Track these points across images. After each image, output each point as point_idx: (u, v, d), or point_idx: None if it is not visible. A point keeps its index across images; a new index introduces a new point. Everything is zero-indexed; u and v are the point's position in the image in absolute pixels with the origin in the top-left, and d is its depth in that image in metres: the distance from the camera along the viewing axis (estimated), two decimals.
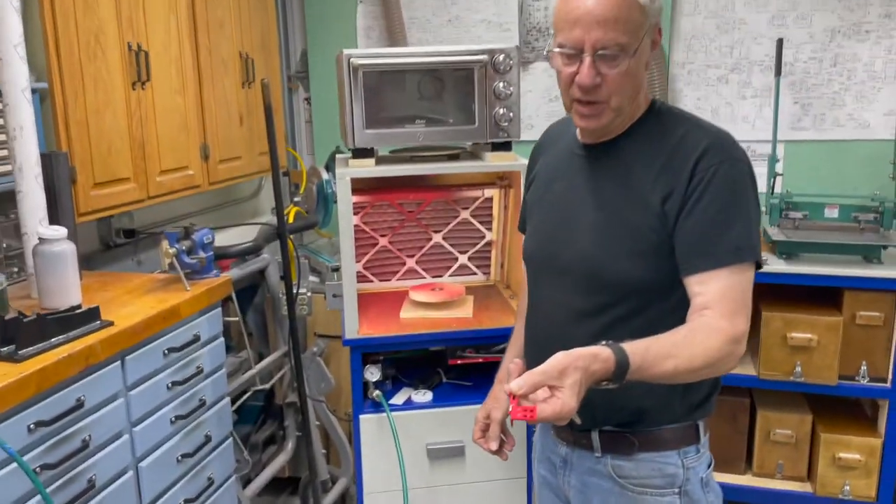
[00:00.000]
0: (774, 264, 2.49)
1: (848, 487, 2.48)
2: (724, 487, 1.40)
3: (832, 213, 2.58)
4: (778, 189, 2.68)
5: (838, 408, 2.67)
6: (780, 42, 2.71)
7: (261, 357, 2.66)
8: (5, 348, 1.32)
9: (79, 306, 1.50)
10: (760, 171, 2.84)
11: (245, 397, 2.42)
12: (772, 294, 2.59)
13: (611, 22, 1.13)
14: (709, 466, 1.35)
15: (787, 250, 2.53)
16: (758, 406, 2.65)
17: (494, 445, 1.38)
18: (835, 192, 2.68)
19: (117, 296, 1.72)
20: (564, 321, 1.31)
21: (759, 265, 1.21)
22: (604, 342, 1.06)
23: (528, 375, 0.99)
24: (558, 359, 1.00)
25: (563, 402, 0.97)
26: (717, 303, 1.14)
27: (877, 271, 2.38)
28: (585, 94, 1.19)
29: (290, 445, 2.72)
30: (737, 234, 1.17)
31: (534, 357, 1.28)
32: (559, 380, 0.99)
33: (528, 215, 1.47)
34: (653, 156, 1.23)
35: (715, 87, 2.94)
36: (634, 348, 1.06)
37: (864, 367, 2.46)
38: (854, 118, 2.81)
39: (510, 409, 0.99)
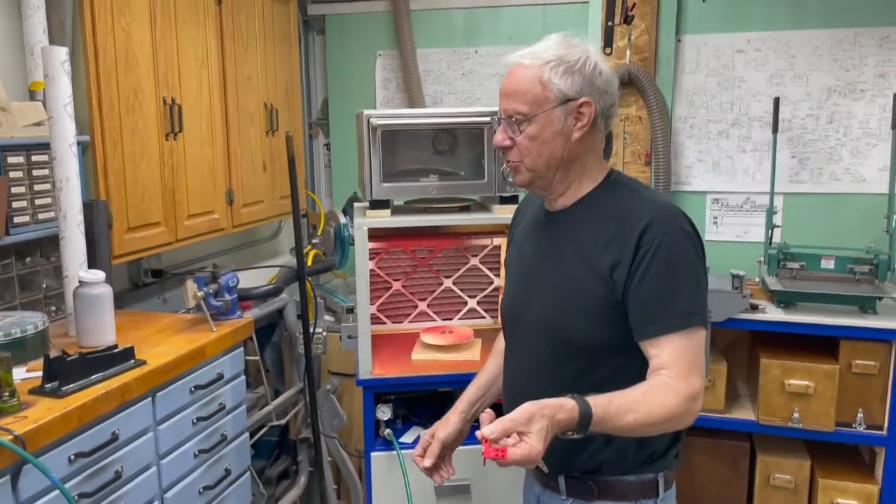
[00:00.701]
0: (773, 313, 2.58)
1: None
2: None
3: (828, 264, 2.67)
4: (776, 240, 2.79)
5: (836, 454, 2.72)
6: (776, 101, 2.83)
7: (276, 393, 2.76)
8: (49, 385, 1.44)
9: (115, 346, 1.62)
10: (759, 221, 2.97)
11: (261, 433, 2.52)
12: (770, 342, 2.68)
13: (513, 94, 1.34)
14: None
15: (784, 299, 2.62)
16: (758, 451, 2.71)
17: (428, 462, 1.46)
18: (831, 243, 2.78)
19: (148, 335, 1.85)
20: (533, 372, 1.41)
21: (705, 326, 1.31)
22: (570, 395, 1.16)
23: (499, 422, 1.09)
24: (526, 407, 1.11)
25: (531, 446, 1.07)
26: (672, 364, 1.24)
27: (872, 321, 2.46)
28: (504, 154, 1.39)
29: (302, 480, 2.81)
30: (683, 302, 1.27)
31: (510, 401, 1.41)
32: (527, 426, 1.09)
33: (507, 272, 1.59)
34: (602, 225, 1.34)
35: (716, 140, 3.06)
36: (597, 401, 1.16)
37: (860, 415, 2.52)
38: (850, 172, 2.92)
39: (483, 450, 1.08)
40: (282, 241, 3.47)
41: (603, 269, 1.30)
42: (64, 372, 1.45)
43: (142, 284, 2.50)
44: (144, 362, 1.63)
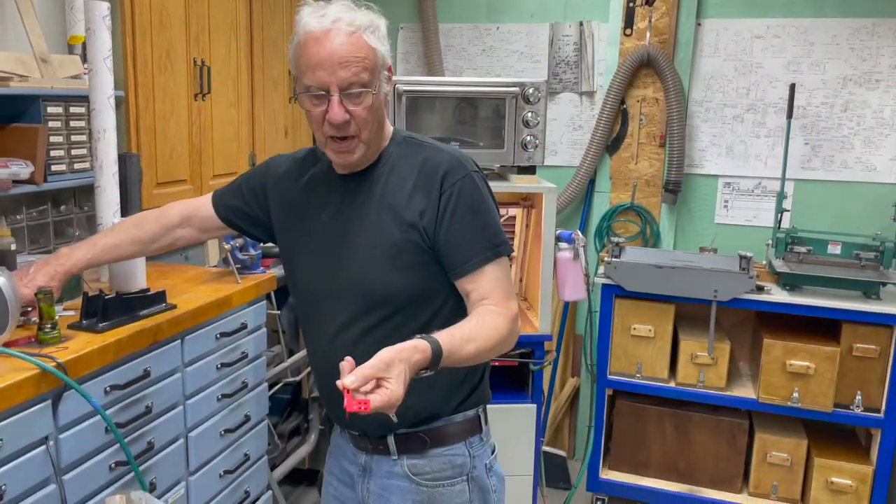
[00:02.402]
0: (778, 294, 2.64)
1: None
2: None
3: (835, 249, 2.72)
4: (785, 224, 2.84)
5: (833, 434, 2.80)
6: (792, 87, 2.88)
7: (291, 353, 2.85)
8: (87, 321, 1.52)
9: (147, 290, 1.70)
10: (769, 205, 3.03)
11: (275, 389, 2.60)
12: (774, 323, 2.74)
13: (352, 63, 1.26)
14: (493, 453, 1.49)
15: (790, 282, 2.68)
16: (756, 428, 2.79)
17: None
18: (839, 230, 2.83)
19: (176, 284, 1.92)
20: (346, 341, 1.37)
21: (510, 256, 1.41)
22: (419, 336, 1.19)
23: (358, 370, 1.09)
24: (384, 353, 1.12)
25: (392, 390, 1.09)
26: (491, 293, 1.33)
27: (875, 307, 2.53)
28: (338, 131, 1.30)
29: (313, 437, 2.89)
30: (490, 235, 1.35)
31: (326, 378, 1.39)
32: (386, 371, 1.10)
33: (293, 244, 1.49)
34: (404, 179, 1.37)
35: (730, 125, 3.11)
36: (442, 337, 1.21)
37: (858, 397, 2.59)
38: (861, 161, 2.97)
39: (345, 403, 1.07)
40: None
41: (412, 217, 1.34)
42: (101, 310, 1.53)
43: None
44: (175, 306, 1.70)
